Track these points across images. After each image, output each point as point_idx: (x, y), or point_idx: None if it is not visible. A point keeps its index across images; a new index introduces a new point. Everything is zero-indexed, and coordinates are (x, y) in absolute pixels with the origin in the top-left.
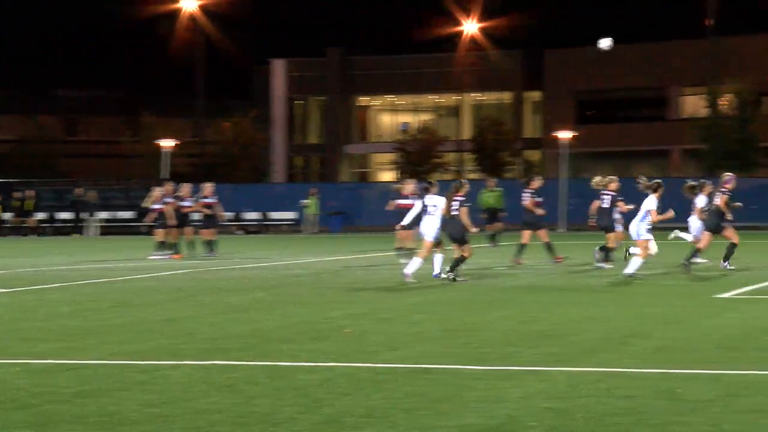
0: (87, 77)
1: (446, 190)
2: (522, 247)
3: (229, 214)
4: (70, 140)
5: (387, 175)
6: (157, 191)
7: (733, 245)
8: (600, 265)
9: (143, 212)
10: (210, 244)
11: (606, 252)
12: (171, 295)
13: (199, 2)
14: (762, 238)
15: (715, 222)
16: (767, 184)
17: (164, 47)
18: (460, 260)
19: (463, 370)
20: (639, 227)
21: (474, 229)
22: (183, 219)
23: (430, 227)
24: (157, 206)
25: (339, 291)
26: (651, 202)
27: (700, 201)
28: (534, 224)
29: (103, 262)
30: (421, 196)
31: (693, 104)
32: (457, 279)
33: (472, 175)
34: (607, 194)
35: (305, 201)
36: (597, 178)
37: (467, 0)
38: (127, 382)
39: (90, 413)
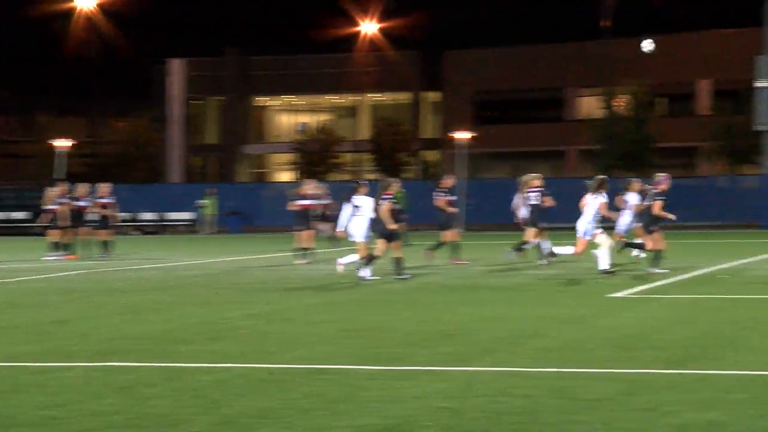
0: None
1: (346, 191)
2: (443, 245)
3: (125, 215)
4: None
5: (285, 176)
6: (51, 192)
7: (659, 251)
8: (510, 258)
9: (37, 213)
10: (106, 245)
11: (520, 248)
12: (65, 296)
13: (97, 1)
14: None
15: (647, 222)
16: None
17: (60, 46)
18: (373, 258)
19: (360, 370)
20: (588, 225)
21: (393, 226)
22: (78, 219)
23: (359, 228)
24: (51, 207)
25: (237, 291)
26: (600, 199)
27: (632, 198)
28: (446, 224)
29: None
30: (348, 198)
31: (589, 105)
32: (367, 278)
33: (370, 176)
34: (534, 191)
35: (202, 201)
36: (525, 177)
37: (366, 0)
38: (19, 384)
39: None
